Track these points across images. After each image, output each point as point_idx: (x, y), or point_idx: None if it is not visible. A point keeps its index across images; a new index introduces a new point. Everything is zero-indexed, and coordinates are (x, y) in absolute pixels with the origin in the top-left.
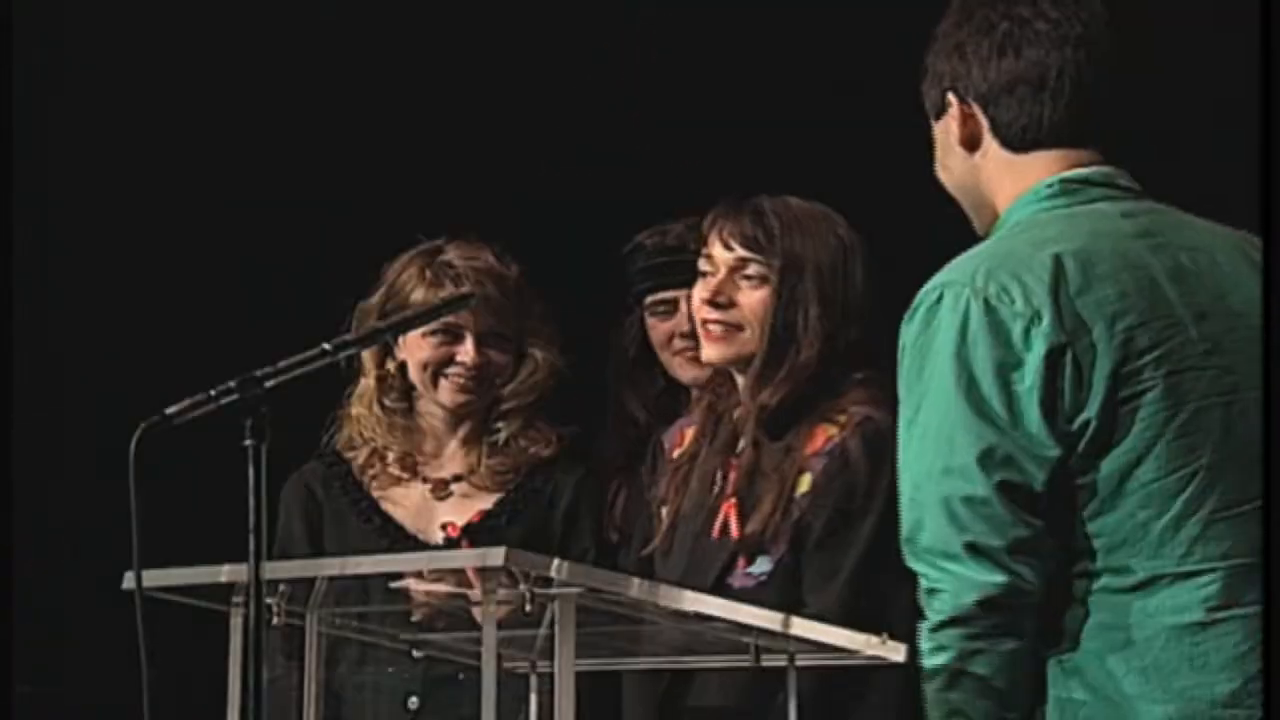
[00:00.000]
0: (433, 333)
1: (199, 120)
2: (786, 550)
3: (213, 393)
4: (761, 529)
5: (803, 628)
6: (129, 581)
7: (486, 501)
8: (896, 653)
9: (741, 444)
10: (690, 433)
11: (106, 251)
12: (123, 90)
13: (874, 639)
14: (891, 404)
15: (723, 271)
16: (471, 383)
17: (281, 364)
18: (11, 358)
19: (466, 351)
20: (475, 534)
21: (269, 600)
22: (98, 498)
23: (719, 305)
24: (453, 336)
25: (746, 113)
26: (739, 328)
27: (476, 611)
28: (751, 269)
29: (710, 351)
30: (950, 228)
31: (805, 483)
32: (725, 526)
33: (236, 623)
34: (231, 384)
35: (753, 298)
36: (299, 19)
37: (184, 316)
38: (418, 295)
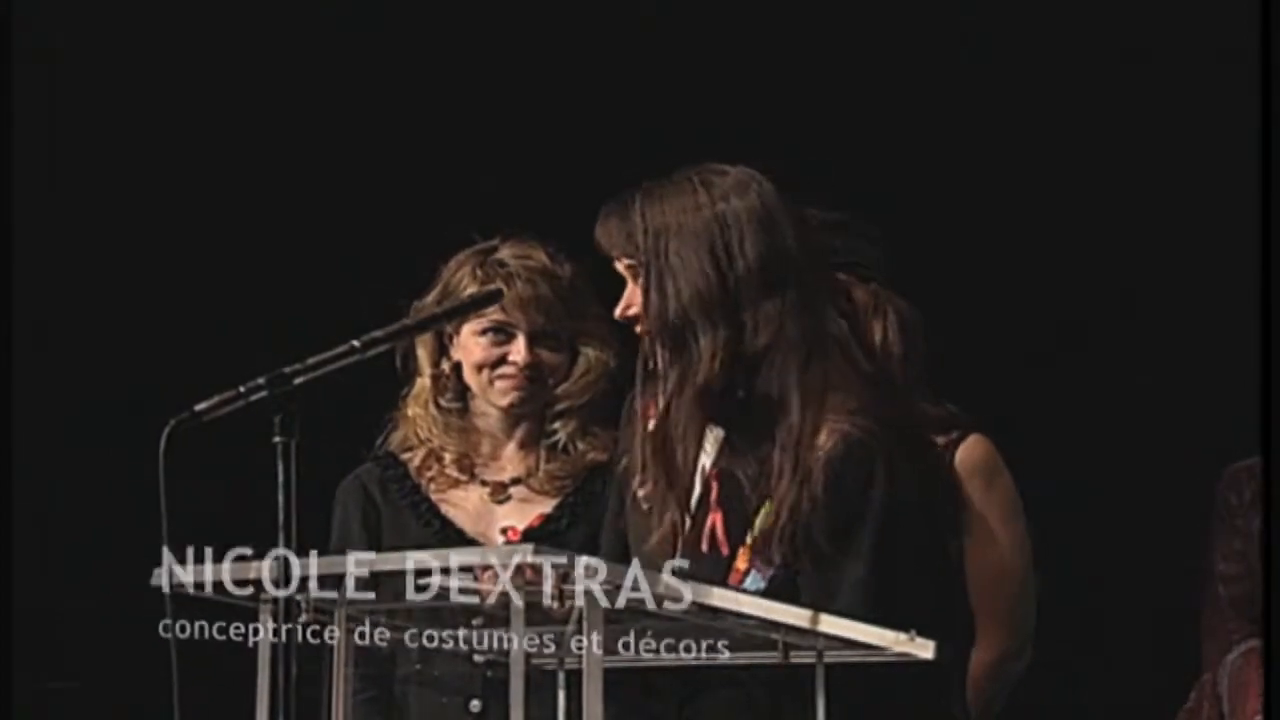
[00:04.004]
0: (483, 332)
1: (231, 116)
2: (779, 566)
3: (242, 389)
4: (750, 546)
5: (831, 624)
6: (159, 578)
7: (546, 505)
8: (925, 649)
9: (707, 445)
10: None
11: (127, 250)
12: (153, 87)
13: (902, 636)
14: (869, 409)
15: (629, 281)
16: (524, 382)
17: (310, 360)
18: (11, 359)
19: (518, 351)
20: (536, 538)
21: (298, 597)
22: (129, 494)
23: (630, 318)
24: (505, 336)
25: (800, 112)
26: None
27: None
28: (640, 270)
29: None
30: (956, 230)
31: (791, 498)
32: (714, 540)
33: (266, 619)
34: (260, 380)
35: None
36: (338, 14)
37: (220, 315)
38: (469, 293)
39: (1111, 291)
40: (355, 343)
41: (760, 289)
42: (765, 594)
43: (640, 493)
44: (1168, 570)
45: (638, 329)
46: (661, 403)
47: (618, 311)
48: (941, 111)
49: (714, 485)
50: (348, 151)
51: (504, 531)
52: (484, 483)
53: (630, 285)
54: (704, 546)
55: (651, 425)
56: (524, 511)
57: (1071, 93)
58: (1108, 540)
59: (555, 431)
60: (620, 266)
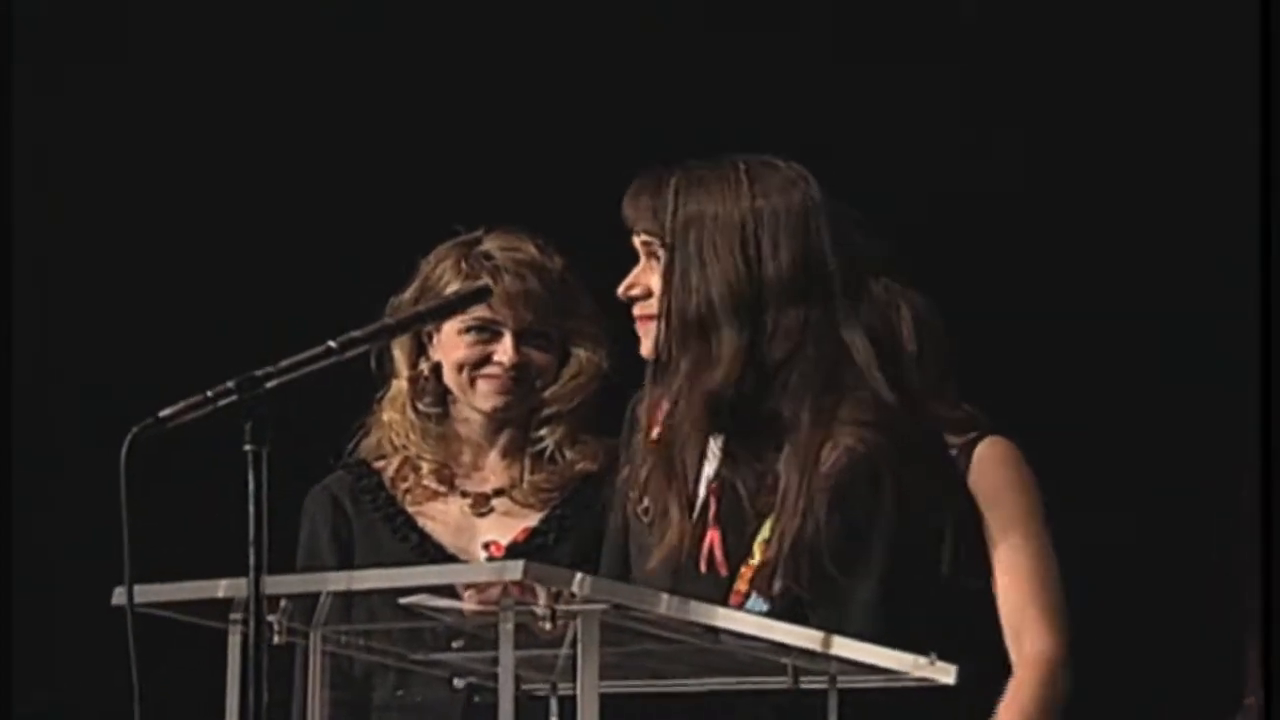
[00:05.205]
0: (467, 330)
1: (212, 114)
2: (783, 587)
3: (210, 394)
4: (753, 566)
5: (845, 647)
6: (119, 597)
7: (531, 518)
8: (946, 674)
9: (710, 454)
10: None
11: (112, 251)
12: (133, 84)
13: (921, 660)
14: (880, 421)
15: (641, 258)
16: (510, 384)
17: (284, 363)
18: (11, 359)
19: (504, 350)
20: (522, 553)
21: (270, 617)
22: (101, 506)
23: (634, 297)
24: (490, 334)
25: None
26: (651, 317)
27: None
28: (658, 249)
29: (643, 344)
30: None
31: (796, 522)
32: (711, 560)
33: (235, 641)
34: (230, 384)
35: (660, 281)
36: (337, 13)
37: (199, 318)
38: (452, 289)
39: (1113, 291)
40: (332, 343)
41: (787, 297)
42: (769, 617)
43: (641, 506)
44: (1211, 586)
45: (635, 312)
46: (666, 406)
47: (620, 289)
48: (943, 110)
49: (712, 501)
50: (346, 150)
51: (486, 546)
52: (464, 494)
53: (641, 263)
54: (702, 567)
55: (656, 432)
56: (507, 525)
57: (1072, 92)
58: (1152, 556)
59: (542, 439)
60: (636, 241)
